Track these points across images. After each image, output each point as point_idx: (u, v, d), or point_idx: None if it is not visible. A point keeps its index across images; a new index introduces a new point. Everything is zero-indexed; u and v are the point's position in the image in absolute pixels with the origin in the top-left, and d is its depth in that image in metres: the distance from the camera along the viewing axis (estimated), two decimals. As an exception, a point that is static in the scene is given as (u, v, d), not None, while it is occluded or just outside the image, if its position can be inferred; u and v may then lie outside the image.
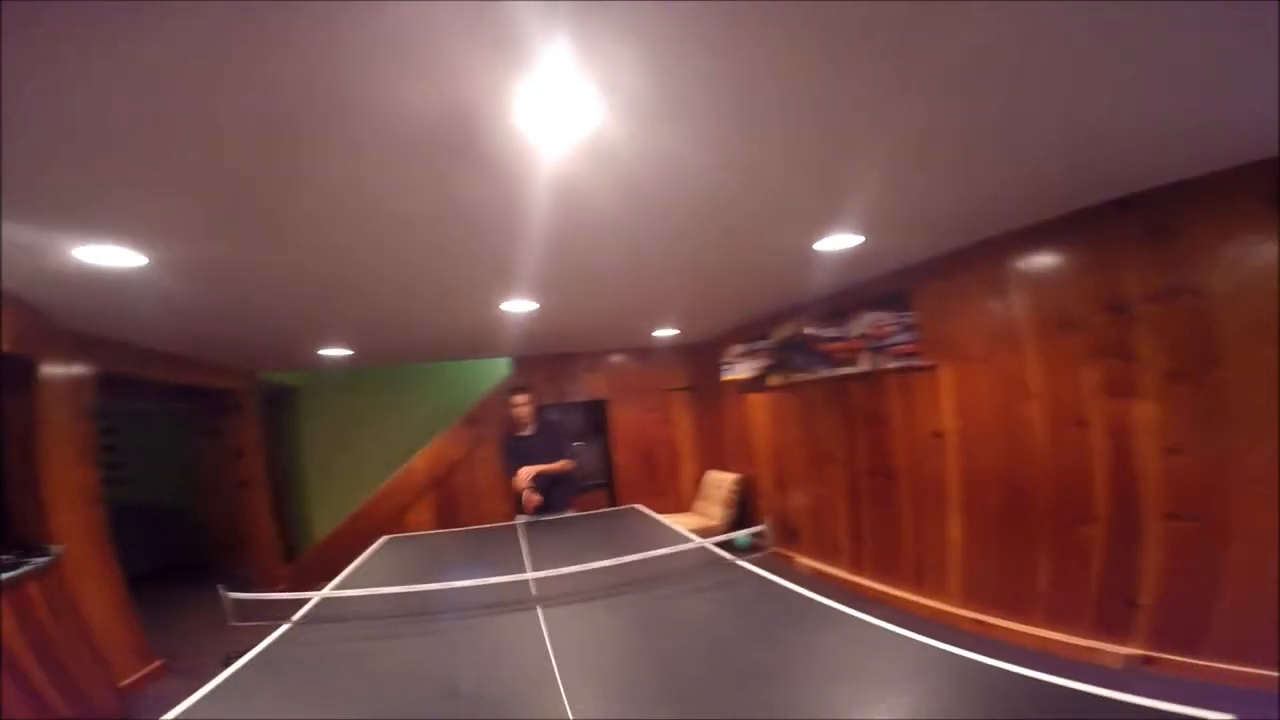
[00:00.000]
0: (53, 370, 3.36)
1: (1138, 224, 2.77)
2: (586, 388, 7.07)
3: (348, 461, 6.94)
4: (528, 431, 4.02)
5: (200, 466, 6.47)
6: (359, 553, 3.09)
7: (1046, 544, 3.19)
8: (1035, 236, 3.18)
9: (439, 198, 2.27)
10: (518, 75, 1.54)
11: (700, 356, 7.03)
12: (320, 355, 5.58)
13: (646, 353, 7.16)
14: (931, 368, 3.85)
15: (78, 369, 3.62)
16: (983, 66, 1.67)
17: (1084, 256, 3.01)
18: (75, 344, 3.59)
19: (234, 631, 1.96)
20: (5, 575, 2.41)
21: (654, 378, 7.19)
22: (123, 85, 1.41)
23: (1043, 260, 3.19)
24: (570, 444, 4.06)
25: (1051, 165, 2.41)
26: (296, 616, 2.01)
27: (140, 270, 2.62)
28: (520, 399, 4.01)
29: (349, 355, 5.71)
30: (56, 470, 3.24)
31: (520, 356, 6.85)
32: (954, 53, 1.61)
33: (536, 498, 3.75)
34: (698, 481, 6.97)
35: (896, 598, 4.05)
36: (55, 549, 2.88)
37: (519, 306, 4.31)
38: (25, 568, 2.54)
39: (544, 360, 6.87)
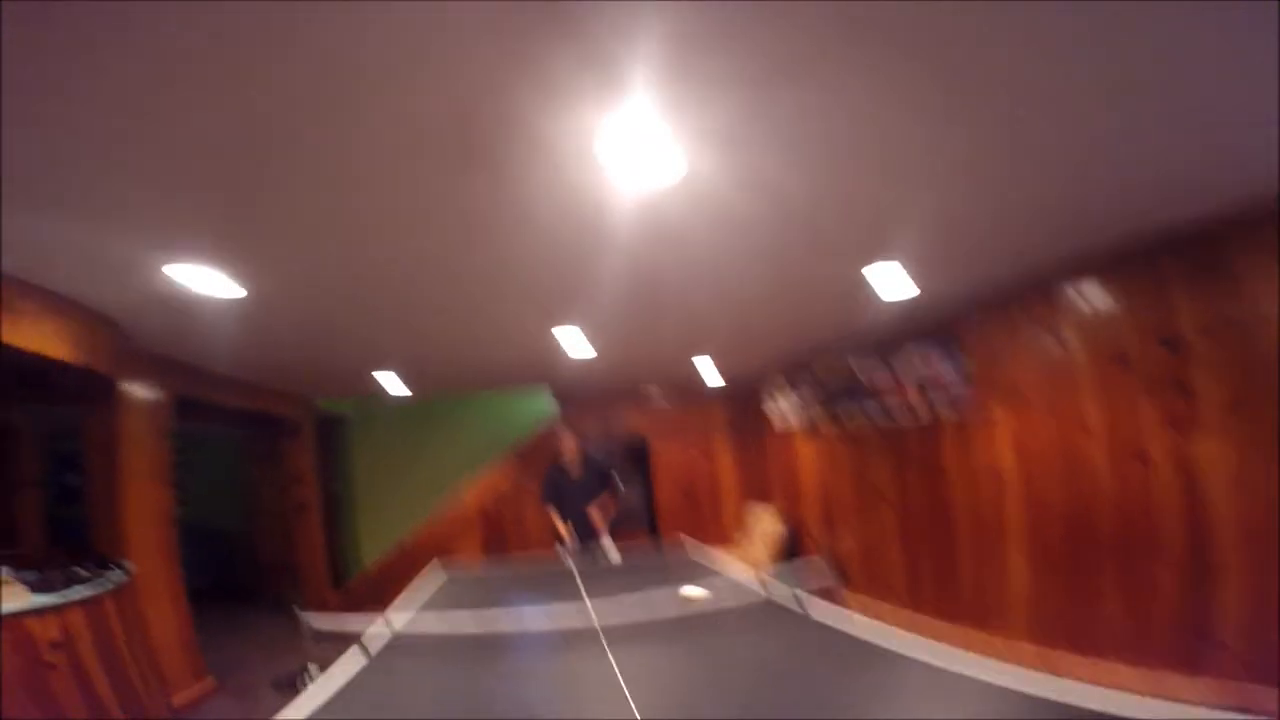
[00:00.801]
0: (134, 390, 3.54)
1: (1188, 256, 2.69)
2: (629, 422, 7.10)
3: (397, 490, 7.08)
4: (573, 469, 4.16)
5: (255, 490, 6.68)
6: (407, 580, 3.13)
7: (1115, 578, 3.06)
8: (1085, 271, 3.11)
9: (508, 218, 2.34)
10: (605, 110, 1.62)
11: (743, 394, 6.99)
12: (375, 379, 5.74)
13: (690, 391, 7.15)
14: (986, 408, 3.77)
15: (157, 390, 3.80)
16: (1031, 96, 1.68)
17: (1136, 291, 2.93)
18: (156, 366, 3.78)
19: (281, 654, 1.97)
20: (85, 592, 2.50)
21: (697, 415, 7.21)
22: (220, 124, 1.55)
23: (1094, 296, 3.11)
24: (615, 479, 4.18)
25: (1099, 190, 2.37)
26: (369, 645, 2.00)
27: (233, 300, 2.79)
28: (568, 437, 4.21)
29: (403, 383, 5.85)
30: (134, 488, 3.39)
31: (566, 390, 6.91)
32: (1001, 84, 1.63)
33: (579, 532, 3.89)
34: (740, 516, 6.93)
35: (956, 634, 3.92)
36: (130, 566, 2.98)
37: (569, 335, 4.39)
38: (104, 585, 2.63)
39: (588, 394, 6.94)
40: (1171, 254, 2.73)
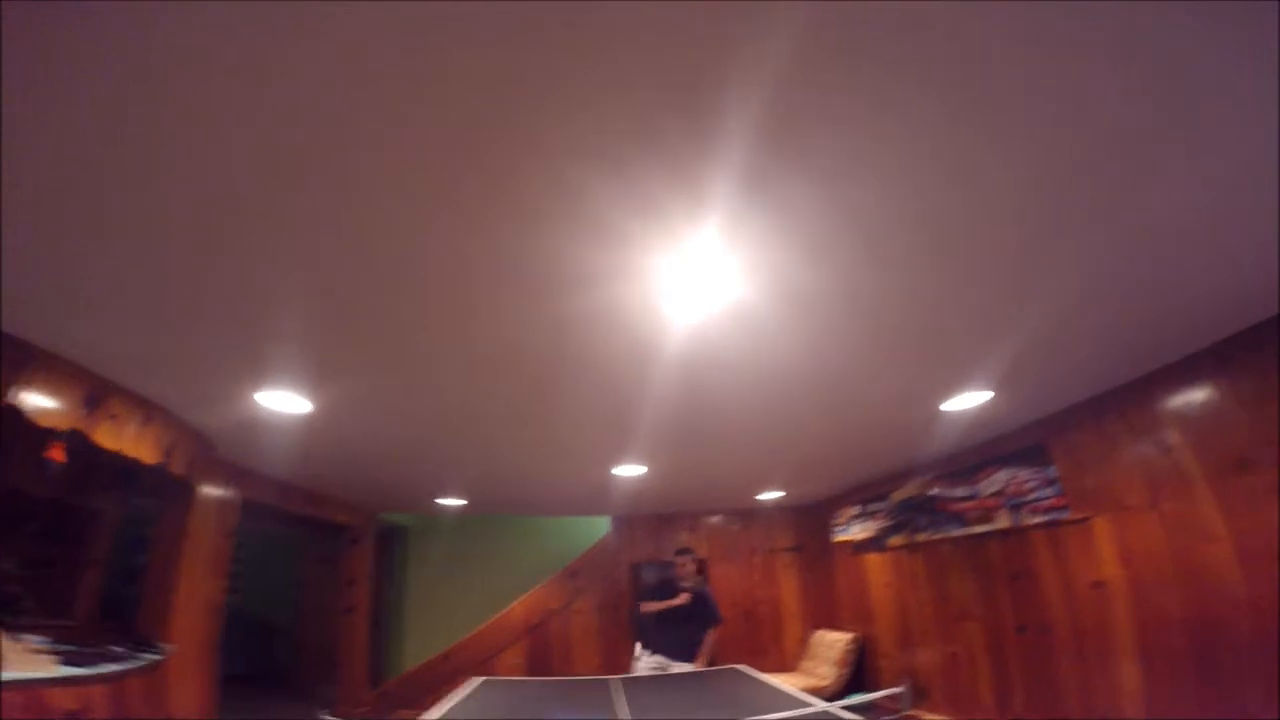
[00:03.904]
0: (208, 492, 3.81)
1: None
2: (683, 544, 6.73)
3: (447, 601, 7.04)
4: (685, 582, 4.25)
5: (308, 588, 6.76)
6: (444, 687, 2.97)
7: (1250, 686, 2.57)
8: (1186, 372, 2.88)
9: (569, 357, 2.43)
10: (665, 250, 1.71)
11: (807, 517, 6.76)
12: (437, 503, 5.90)
13: (750, 513, 6.91)
14: (1083, 520, 3.44)
15: (229, 492, 4.07)
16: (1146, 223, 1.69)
17: (1246, 387, 2.63)
18: (231, 473, 4.07)
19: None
20: (114, 668, 2.54)
21: (757, 538, 6.87)
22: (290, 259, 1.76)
23: (1201, 397, 2.84)
24: (714, 607, 4.26)
25: (1206, 294, 2.22)
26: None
27: (303, 417, 3.04)
28: (686, 559, 4.36)
29: (463, 504, 5.97)
30: (191, 580, 3.51)
31: (623, 515, 6.79)
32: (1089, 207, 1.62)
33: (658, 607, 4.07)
34: (804, 641, 6.38)
35: None
36: (167, 648, 3.02)
37: (629, 470, 4.49)
38: (133, 663, 2.67)
39: (644, 519, 6.80)
40: None
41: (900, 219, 1.64)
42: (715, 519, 6.91)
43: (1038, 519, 3.73)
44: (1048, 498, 3.66)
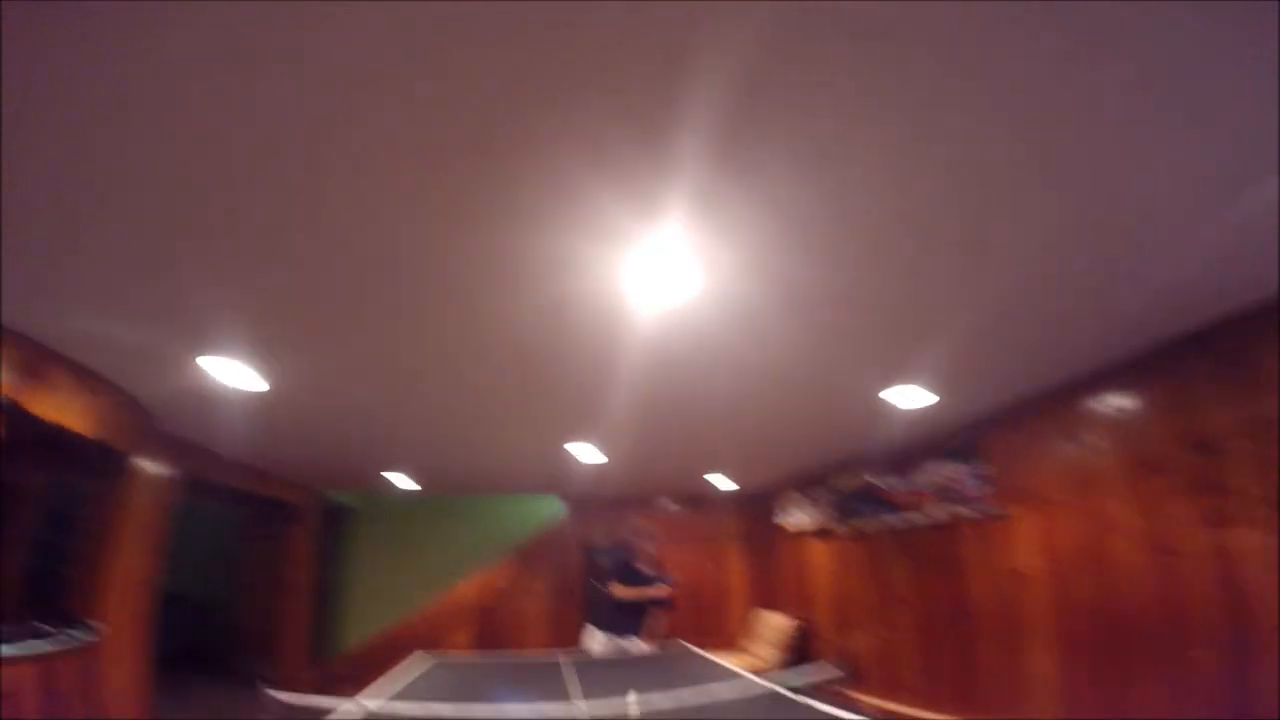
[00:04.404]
0: (145, 466, 3.66)
1: (1214, 357, 2.64)
2: (642, 525, 6.89)
3: (395, 580, 6.95)
4: (644, 569, 4.41)
5: (246, 567, 6.60)
6: (390, 666, 2.97)
7: (1154, 670, 2.85)
8: (1109, 379, 3.11)
9: (529, 336, 2.44)
10: (626, 244, 1.76)
11: (754, 503, 6.98)
12: (387, 481, 5.81)
13: (700, 498, 7.11)
14: (1007, 513, 3.70)
15: (168, 468, 3.92)
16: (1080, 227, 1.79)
17: (1162, 395, 2.88)
18: (171, 446, 3.92)
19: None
20: (44, 647, 2.45)
21: (706, 523, 7.10)
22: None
23: (1119, 402, 3.08)
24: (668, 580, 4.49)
25: (1127, 308, 2.42)
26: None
27: (251, 389, 2.95)
28: (648, 539, 4.51)
29: (413, 483, 5.90)
30: (126, 557, 3.38)
31: (576, 498, 6.85)
32: (1028, 220, 1.74)
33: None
34: (747, 623, 6.67)
35: None
36: (100, 628, 2.92)
37: (584, 451, 4.52)
38: (63, 642, 2.58)
39: (598, 503, 6.89)
40: (1197, 356, 2.70)
41: (841, 219, 1.72)
42: (667, 503, 7.07)
43: (968, 512, 3.96)
44: (978, 492, 3.90)
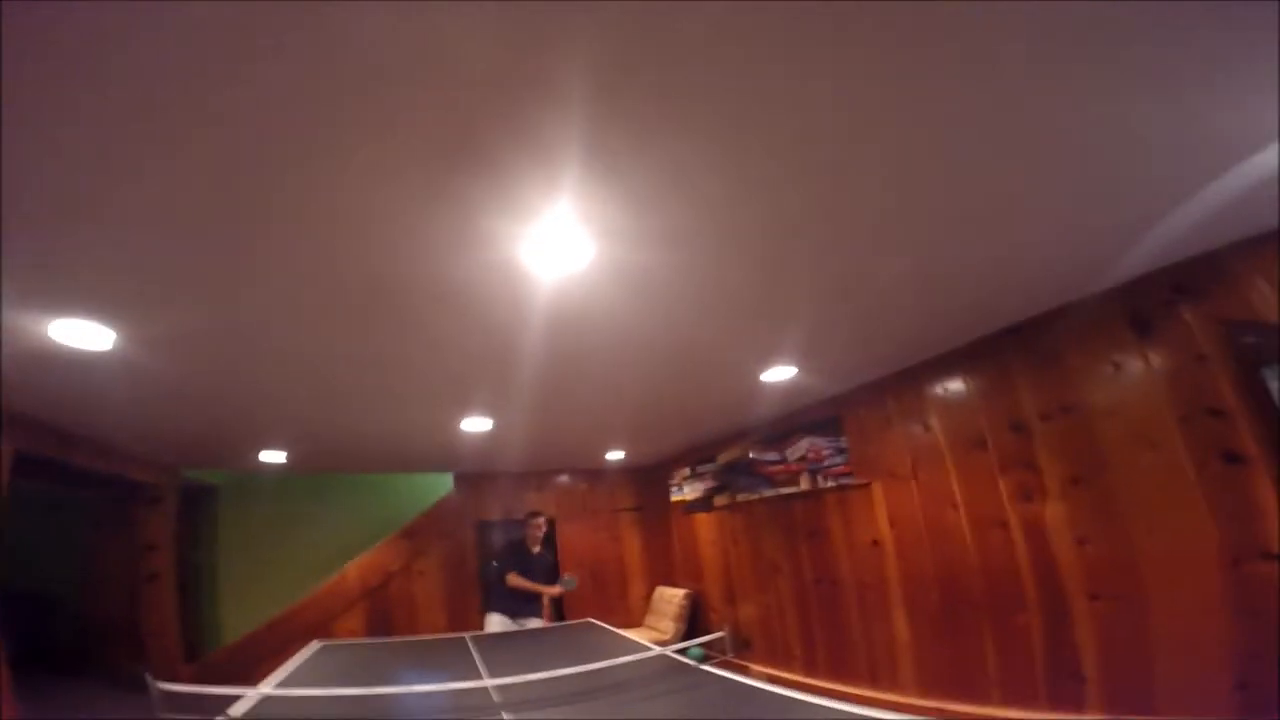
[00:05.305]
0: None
1: (1028, 350, 3.16)
2: (533, 506, 6.91)
3: (271, 565, 6.51)
4: (537, 549, 4.61)
5: (98, 557, 5.93)
6: (277, 657, 2.87)
7: (988, 632, 3.31)
8: (946, 366, 3.61)
9: (419, 305, 2.36)
10: (520, 218, 1.76)
11: (648, 478, 7.21)
12: (257, 458, 5.41)
13: (595, 474, 7.24)
14: (865, 485, 4.13)
15: (-6, 444, 3.44)
16: (902, 226, 2.06)
17: (987, 382, 3.40)
18: (-1, 418, 3.44)
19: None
20: None
21: (602, 498, 7.23)
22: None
23: (954, 387, 3.58)
24: (560, 572, 4.87)
25: (957, 303, 2.87)
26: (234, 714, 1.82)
27: (101, 352, 2.55)
28: (539, 521, 4.71)
29: (288, 458, 5.54)
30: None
31: (467, 473, 6.76)
32: (869, 216, 1.98)
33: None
34: (647, 597, 6.91)
35: (853, 695, 4.00)
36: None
37: (473, 424, 4.44)
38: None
39: (491, 478, 6.81)
40: (1015, 348, 3.22)
41: (707, 218, 1.91)
42: (562, 479, 7.13)
43: (830, 483, 4.41)
44: (839, 464, 4.33)
